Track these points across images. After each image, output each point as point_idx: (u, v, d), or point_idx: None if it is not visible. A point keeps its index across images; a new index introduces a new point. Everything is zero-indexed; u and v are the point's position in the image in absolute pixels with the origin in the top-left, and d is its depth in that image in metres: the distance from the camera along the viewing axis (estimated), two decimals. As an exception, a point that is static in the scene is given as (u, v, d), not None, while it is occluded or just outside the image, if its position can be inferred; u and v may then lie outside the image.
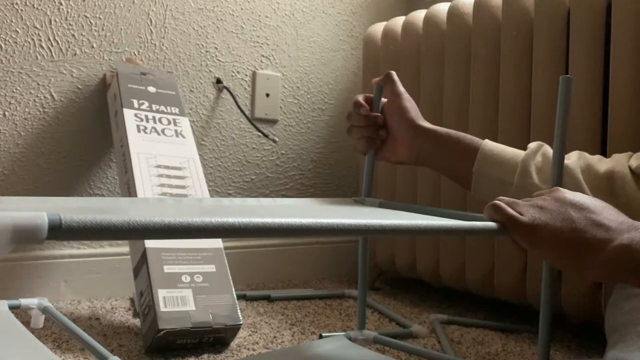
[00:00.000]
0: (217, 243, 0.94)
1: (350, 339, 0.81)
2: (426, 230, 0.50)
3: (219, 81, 1.31)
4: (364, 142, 0.79)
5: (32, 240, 0.30)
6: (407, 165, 1.21)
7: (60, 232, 0.31)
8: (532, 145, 0.71)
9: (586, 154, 0.70)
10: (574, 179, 0.66)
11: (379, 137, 0.79)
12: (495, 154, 0.71)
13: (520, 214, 0.51)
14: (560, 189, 0.54)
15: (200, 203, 0.70)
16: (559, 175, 0.64)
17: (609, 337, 0.54)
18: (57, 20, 1.11)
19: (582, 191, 0.65)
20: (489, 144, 0.73)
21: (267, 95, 1.39)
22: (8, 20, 1.06)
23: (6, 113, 1.07)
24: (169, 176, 0.98)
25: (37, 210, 0.31)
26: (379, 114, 0.78)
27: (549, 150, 0.70)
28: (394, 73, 0.78)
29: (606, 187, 0.66)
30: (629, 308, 0.54)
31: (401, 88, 0.78)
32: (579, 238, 0.49)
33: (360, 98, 0.79)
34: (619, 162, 0.67)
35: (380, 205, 0.76)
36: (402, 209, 0.73)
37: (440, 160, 0.76)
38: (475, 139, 0.74)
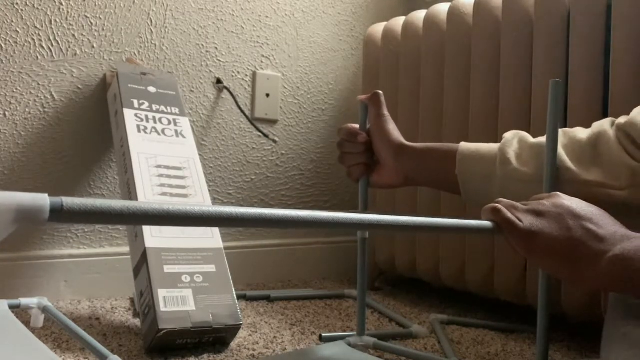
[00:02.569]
0: (217, 243, 0.94)
1: (349, 344, 0.81)
2: (423, 226, 0.50)
3: (219, 81, 1.31)
4: (361, 168, 0.79)
5: (34, 221, 0.30)
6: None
7: (61, 214, 0.31)
8: (508, 134, 0.72)
9: (567, 129, 0.70)
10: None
11: (374, 163, 0.79)
12: (473, 151, 0.72)
13: (519, 219, 0.51)
14: (559, 194, 0.55)
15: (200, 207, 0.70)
16: (553, 178, 0.64)
17: (606, 342, 0.54)
18: (58, 20, 1.11)
19: (565, 166, 0.65)
20: (465, 145, 0.73)
21: (267, 95, 1.39)
22: (8, 20, 1.06)
23: (6, 113, 1.07)
24: (169, 176, 0.98)
25: None
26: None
27: (525, 135, 0.71)
28: (381, 94, 0.79)
29: (590, 154, 0.65)
30: (631, 314, 0.53)
31: (385, 111, 0.78)
32: (575, 249, 0.49)
33: (352, 126, 0.80)
34: (601, 127, 0.67)
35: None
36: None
37: (426, 173, 0.76)
38: (453, 145, 0.74)
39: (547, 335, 0.66)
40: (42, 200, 0.30)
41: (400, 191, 1.22)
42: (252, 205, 1.37)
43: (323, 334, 0.90)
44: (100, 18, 1.16)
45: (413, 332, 0.96)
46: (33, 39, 1.09)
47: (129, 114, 1.03)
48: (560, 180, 0.64)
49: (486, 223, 0.52)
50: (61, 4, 1.11)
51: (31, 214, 0.30)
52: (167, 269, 0.86)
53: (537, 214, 0.52)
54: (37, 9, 1.09)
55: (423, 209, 1.16)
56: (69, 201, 0.31)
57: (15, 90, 1.07)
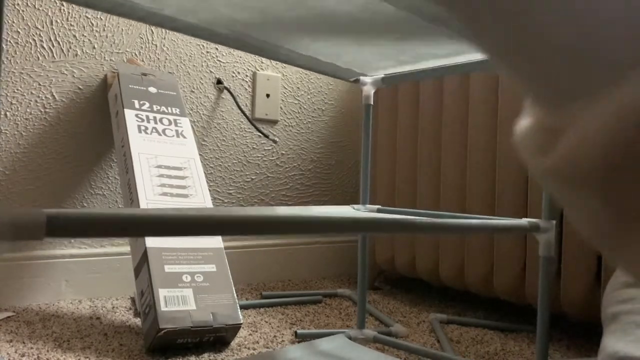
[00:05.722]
0: (217, 243, 0.94)
1: (350, 337, 0.81)
2: (453, 228, 0.50)
3: (219, 82, 1.32)
4: None
5: (31, 237, 0.30)
6: (406, 170, 1.22)
7: (59, 229, 0.30)
8: None
9: None
10: None
11: None
12: None
13: None
14: None
15: (201, 212, 0.70)
16: None
17: (605, 326, 0.54)
18: (59, 20, 1.11)
19: None
20: None
21: (268, 95, 1.39)
22: (9, 21, 1.06)
23: (8, 113, 1.07)
24: (169, 176, 0.98)
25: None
26: None
27: None
28: None
29: None
30: (628, 296, 0.53)
31: None
32: None
33: None
34: None
35: (379, 211, 0.77)
36: (401, 214, 0.73)
37: None
38: None
39: (547, 333, 0.67)
40: (39, 215, 0.29)
41: (400, 186, 1.22)
42: (252, 205, 1.38)
43: (298, 331, 0.92)
44: (101, 19, 1.16)
45: (392, 331, 0.96)
46: (34, 40, 1.09)
47: (129, 115, 1.03)
48: None
49: (523, 222, 0.52)
50: (62, 4, 1.12)
51: (27, 230, 0.29)
52: (168, 268, 0.87)
53: None
54: (38, 9, 1.09)
55: (423, 201, 1.16)
56: (67, 215, 0.30)
57: (16, 91, 1.08)
